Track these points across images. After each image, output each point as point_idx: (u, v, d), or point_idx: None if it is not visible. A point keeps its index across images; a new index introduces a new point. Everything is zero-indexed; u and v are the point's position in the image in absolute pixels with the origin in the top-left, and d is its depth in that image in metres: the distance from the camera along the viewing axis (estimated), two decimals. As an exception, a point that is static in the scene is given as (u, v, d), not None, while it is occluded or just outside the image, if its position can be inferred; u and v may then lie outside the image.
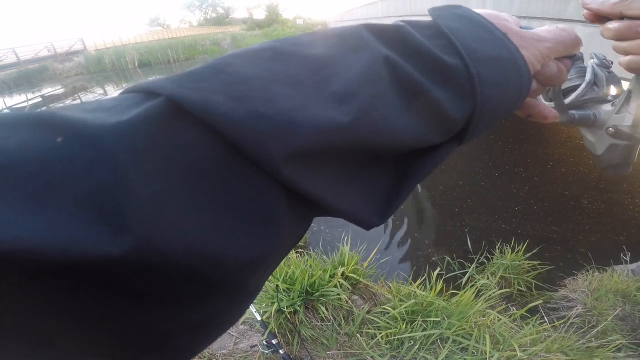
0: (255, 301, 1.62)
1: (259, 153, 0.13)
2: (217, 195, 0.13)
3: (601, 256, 2.42)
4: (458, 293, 1.74)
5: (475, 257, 2.44)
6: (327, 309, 1.63)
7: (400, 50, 0.18)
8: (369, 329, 1.59)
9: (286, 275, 1.69)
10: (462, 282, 2.07)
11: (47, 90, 13.61)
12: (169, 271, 0.12)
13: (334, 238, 3.15)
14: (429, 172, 0.20)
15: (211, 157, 0.13)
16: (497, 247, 2.46)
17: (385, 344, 1.50)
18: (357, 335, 1.58)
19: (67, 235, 0.10)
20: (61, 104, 10.59)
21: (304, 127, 0.14)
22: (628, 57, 0.31)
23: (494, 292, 1.80)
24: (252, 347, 1.56)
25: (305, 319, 1.60)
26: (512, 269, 2.24)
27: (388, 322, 1.57)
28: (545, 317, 1.89)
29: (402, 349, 1.46)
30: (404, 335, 1.49)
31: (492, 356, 1.37)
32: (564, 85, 0.35)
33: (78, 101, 10.94)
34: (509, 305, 1.99)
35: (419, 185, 4.33)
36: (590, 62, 0.36)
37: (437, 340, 1.48)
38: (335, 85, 0.16)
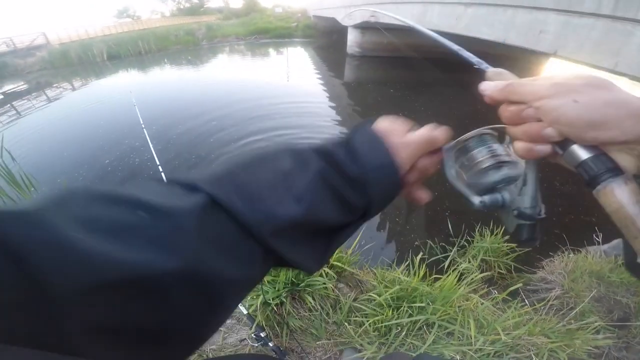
0: None
1: (256, 232, 0.26)
2: (229, 249, 0.26)
3: (575, 237, 2.49)
4: (441, 277, 1.76)
5: (457, 241, 2.49)
6: (314, 299, 1.61)
7: (330, 165, 0.31)
8: (356, 317, 1.59)
9: None
10: (444, 265, 2.10)
11: (9, 87, 12.72)
12: (194, 282, 0.23)
13: None
14: (347, 238, 0.35)
15: (230, 230, 0.26)
16: (476, 230, 2.50)
17: (374, 331, 1.51)
18: (345, 323, 1.58)
19: (152, 258, 0.21)
20: (26, 101, 9.96)
21: (280, 216, 0.27)
22: (518, 143, 0.33)
23: (475, 276, 1.83)
24: (241, 341, 1.52)
25: (293, 310, 1.59)
26: (492, 252, 2.29)
27: (375, 309, 1.58)
28: (526, 300, 1.94)
29: (390, 336, 1.47)
30: (391, 322, 1.49)
31: (477, 340, 1.40)
32: (482, 166, 0.38)
33: (44, 97, 10.32)
34: (490, 288, 2.04)
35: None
36: (491, 142, 0.40)
37: (423, 325, 1.50)
38: (295, 190, 0.29)
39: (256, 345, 1.42)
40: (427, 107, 6.76)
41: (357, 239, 2.02)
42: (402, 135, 0.35)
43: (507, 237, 2.36)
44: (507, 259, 2.30)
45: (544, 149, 0.31)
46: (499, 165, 0.37)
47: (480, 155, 0.39)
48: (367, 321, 1.53)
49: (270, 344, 1.33)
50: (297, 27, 21.66)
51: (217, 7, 45.92)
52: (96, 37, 20.45)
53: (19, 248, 0.17)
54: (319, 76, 10.67)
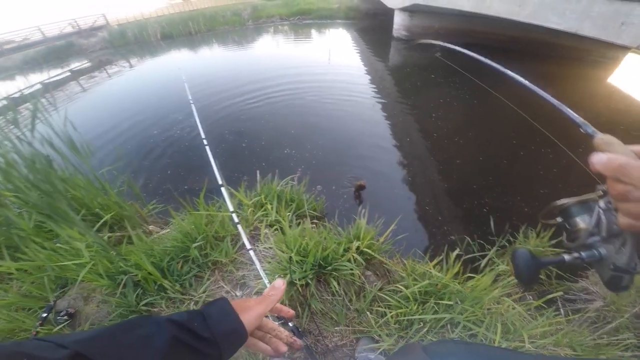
0: (267, 272, 1.64)
1: None
2: None
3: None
4: (474, 277, 1.68)
5: (497, 240, 2.34)
6: (339, 284, 1.61)
7: (183, 331, 0.42)
8: (379, 306, 1.58)
9: (300, 247, 1.66)
10: (480, 264, 2.00)
11: (75, 65, 13.97)
12: None
13: (351, 210, 3.12)
14: None
15: None
16: (521, 231, 2.34)
17: (395, 324, 1.49)
18: (367, 312, 1.57)
19: None
20: (89, 77, 10.90)
21: None
22: (622, 217, 0.37)
23: (512, 280, 1.72)
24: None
25: (316, 293, 1.60)
26: None
27: (399, 302, 1.56)
28: (562, 309, 1.82)
29: (410, 330, 1.45)
30: (414, 317, 1.47)
31: (500, 345, 1.34)
32: (578, 226, 0.46)
33: (105, 74, 11.20)
34: (526, 293, 1.92)
35: (431, 158, 4.16)
36: (596, 208, 0.44)
37: (447, 324, 1.45)
38: (151, 349, 0.39)
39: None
40: (472, 97, 6.24)
41: (391, 227, 1.97)
42: (249, 306, 0.51)
43: (554, 242, 2.17)
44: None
45: None
46: (600, 232, 0.43)
47: (583, 222, 0.46)
48: (390, 312, 1.51)
49: (290, 324, 1.33)
50: (339, 8, 21.08)
51: (262, -13, 45.82)
52: (150, 17, 21.54)
53: None
54: (361, 58, 10.36)
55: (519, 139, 4.49)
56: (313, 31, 17.18)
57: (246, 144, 4.83)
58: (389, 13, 13.31)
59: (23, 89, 10.14)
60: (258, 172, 2.67)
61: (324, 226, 2.12)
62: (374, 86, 7.46)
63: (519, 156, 4.18)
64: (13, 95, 8.51)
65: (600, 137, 0.39)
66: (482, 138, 4.63)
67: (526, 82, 0.61)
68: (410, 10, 11.31)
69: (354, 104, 6.22)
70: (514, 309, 1.54)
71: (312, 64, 9.53)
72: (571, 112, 0.49)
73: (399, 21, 12.21)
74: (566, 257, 0.47)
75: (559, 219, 0.50)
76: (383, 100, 6.47)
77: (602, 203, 0.43)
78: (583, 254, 0.44)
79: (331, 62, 9.76)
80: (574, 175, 3.76)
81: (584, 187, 0.47)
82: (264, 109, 6.05)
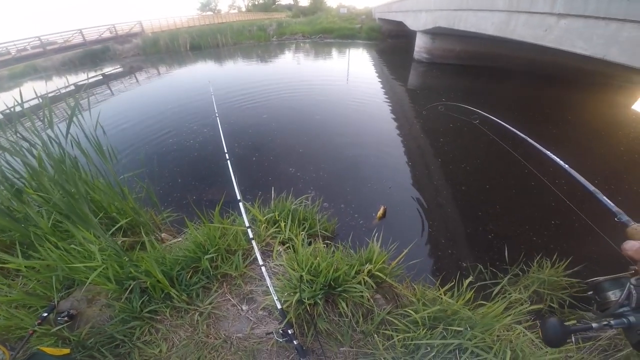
0: (277, 289, 1.66)
1: None
2: None
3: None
4: (486, 304, 1.67)
5: (510, 268, 2.32)
6: (347, 305, 1.62)
7: None
8: (386, 329, 1.58)
9: (311, 267, 1.69)
10: (492, 291, 1.96)
11: (108, 69, 14.75)
12: None
13: (364, 233, 3.13)
14: None
15: None
16: (535, 261, 2.32)
17: (401, 347, 1.48)
18: (374, 335, 1.57)
19: None
20: (119, 82, 11.45)
21: None
22: None
23: (524, 308, 1.70)
24: (267, 334, 1.59)
25: (324, 312, 1.62)
26: (548, 285, 2.13)
27: (408, 326, 1.55)
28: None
29: (417, 355, 1.44)
30: (421, 341, 1.46)
31: None
32: (609, 299, 0.56)
33: (134, 80, 11.75)
34: (537, 321, 1.89)
35: (438, 181, 4.13)
36: (628, 284, 0.54)
37: (455, 350, 1.44)
38: None
39: (281, 340, 1.46)
40: (482, 123, 6.18)
41: (404, 253, 1.98)
42: None
43: (569, 272, 2.17)
44: (563, 294, 2.11)
45: None
46: (630, 304, 0.51)
47: (614, 295, 0.55)
48: (397, 336, 1.51)
49: (295, 342, 1.36)
50: (361, 28, 21.57)
51: (287, 4, 47.54)
52: (182, 27, 22.60)
53: None
54: (380, 79, 10.51)
55: (531, 169, 4.44)
56: (334, 50, 17.59)
57: (256, 158, 4.90)
58: (410, 35, 13.52)
59: (57, 90, 10.73)
60: (273, 188, 2.71)
61: (336, 247, 2.14)
62: (390, 105, 7.57)
63: (529, 186, 4.10)
64: (47, 95, 9.02)
65: (634, 227, 0.54)
66: (491, 166, 4.59)
67: (566, 166, 0.85)
68: (433, 32, 11.49)
69: (369, 120, 6.34)
70: (525, 335, 1.52)
71: (330, 82, 9.74)
72: (607, 200, 0.69)
73: (421, 43, 12.41)
74: (594, 324, 0.58)
75: (589, 293, 0.60)
76: (399, 121, 6.54)
77: (634, 280, 0.53)
78: (612, 321, 0.53)
79: (349, 81, 9.94)
80: (588, 204, 3.64)
81: (599, 220, 0.58)
82: (275, 124, 6.20)
